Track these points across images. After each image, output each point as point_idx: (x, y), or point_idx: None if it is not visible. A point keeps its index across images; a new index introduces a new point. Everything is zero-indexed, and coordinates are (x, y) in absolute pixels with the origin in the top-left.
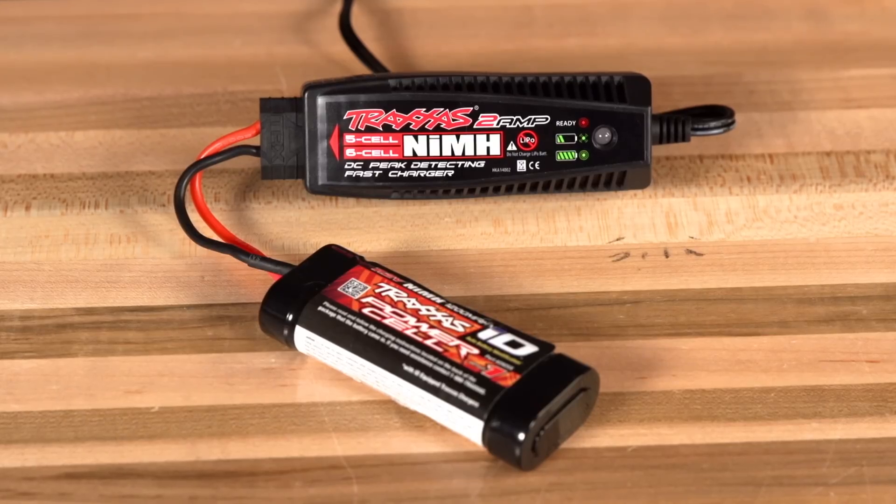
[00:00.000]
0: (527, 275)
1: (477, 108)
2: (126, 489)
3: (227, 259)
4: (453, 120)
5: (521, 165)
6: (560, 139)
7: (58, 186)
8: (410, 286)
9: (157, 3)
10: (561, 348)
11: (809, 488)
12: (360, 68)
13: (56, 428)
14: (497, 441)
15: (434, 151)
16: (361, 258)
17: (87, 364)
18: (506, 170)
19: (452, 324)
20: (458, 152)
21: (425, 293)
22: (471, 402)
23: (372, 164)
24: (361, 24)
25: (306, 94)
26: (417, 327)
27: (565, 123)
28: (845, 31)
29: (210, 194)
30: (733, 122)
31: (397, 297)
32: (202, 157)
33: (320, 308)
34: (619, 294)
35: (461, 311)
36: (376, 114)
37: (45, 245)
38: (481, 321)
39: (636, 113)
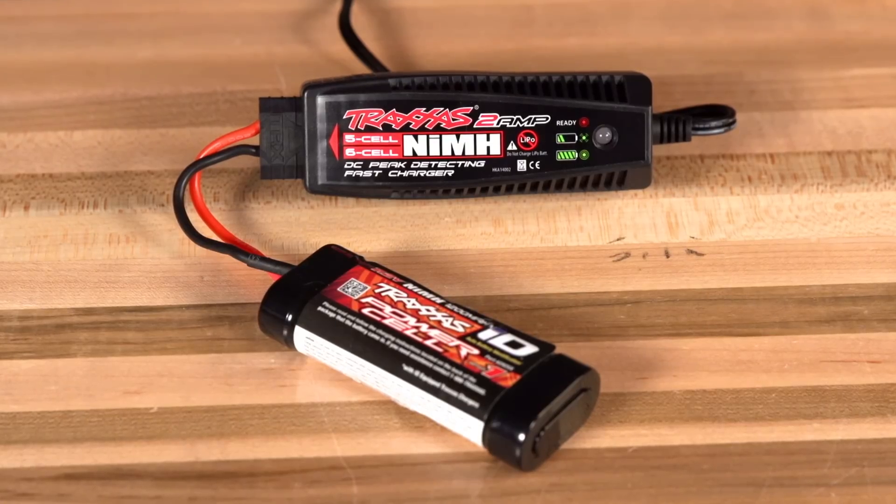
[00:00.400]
0: (527, 275)
1: (477, 107)
2: (125, 490)
3: (227, 259)
4: (453, 119)
5: (522, 165)
6: (560, 139)
7: (56, 186)
8: (410, 286)
9: (156, 2)
10: (561, 348)
11: (811, 489)
12: (360, 68)
13: (55, 428)
14: (497, 441)
15: (434, 151)
16: (361, 258)
17: (86, 364)
18: (506, 169)
19: (452, 324)
20: (458, 152)
21: (425, 293)
22: (471, 402)
23: (372, 164)
24: (361, 24)
25: (306, 94)
26: (417, 327)
27: (566, 123)
28: (847, 30)
29: (209, 194)
30: (734, 122)
31: (397, 297)
32: (201, 156)
33: (320, 308)
34: (619, 294)
35: (461, 312)
36: (376, 113)
37: (43, 245)
38: (481, 321)
39: (637, 112)
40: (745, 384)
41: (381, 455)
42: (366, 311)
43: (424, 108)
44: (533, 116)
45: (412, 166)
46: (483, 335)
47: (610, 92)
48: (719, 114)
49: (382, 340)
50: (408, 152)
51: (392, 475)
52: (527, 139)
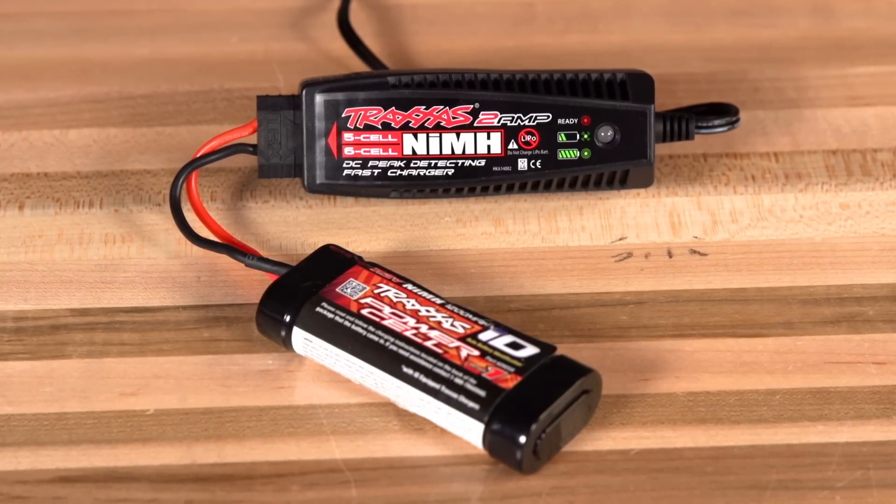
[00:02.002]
0: (528, 275)
1: (477, 105)
2: (121, 493)
3: (224, 259)
4: (453, 118)
5: (523, 164)
6: (562, 137)
7: (52, 185)
8: (410, 287)
9: None
10: (563, 350)
11: (815, 492)
12: (359, 65)
13: (50, 430)
14: (498, 444)
15: (434, 150)
16: (360, 258)
17: (82, 366)
18: (507, 168)
19: (452, 325)
20: (458, 151)
21: (425, 294)
22: (471, 404)
23: (371, 163)
24: (360, 21)
25: (304, 92)
26: (417, 328)
27: (567, 121)
28: (852, 27)
29: (206, 193)
30: (738, 120)
31: (396, 297)
32: (198, 155)
33: (318, 309)
34: (621, 295)
35: (461, 312)
36: (375, 111)
37: (38, 245)
38: (482, 322)
39: (639, 111)
40: (748, 386)
41: (380, 457)
42: (365, 311)
43: (424, 107)
44: (534, 115)
45: (412, 165)
46: (483, 336)
47: (612, 90)
48: (723, 112)
49: (381, 342)
50: (407, 151)
51: (391, 478)
52: (528, 138)
